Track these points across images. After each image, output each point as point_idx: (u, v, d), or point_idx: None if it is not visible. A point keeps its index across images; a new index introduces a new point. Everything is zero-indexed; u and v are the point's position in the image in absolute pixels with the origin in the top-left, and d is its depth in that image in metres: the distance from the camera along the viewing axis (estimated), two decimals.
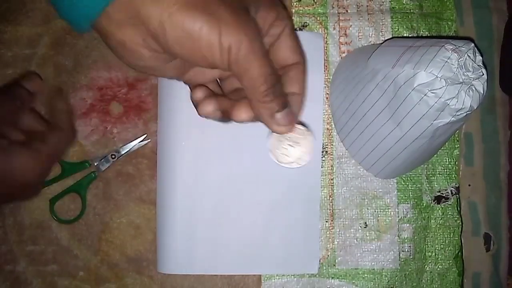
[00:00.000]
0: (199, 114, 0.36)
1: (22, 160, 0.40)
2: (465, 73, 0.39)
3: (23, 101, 0.44)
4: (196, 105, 0.36)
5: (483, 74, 0.39)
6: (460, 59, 0.38)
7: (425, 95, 0.39)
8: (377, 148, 0.46)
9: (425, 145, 0.43)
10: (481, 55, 0.39)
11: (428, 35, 0.51)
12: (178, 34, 0.30)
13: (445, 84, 0.38)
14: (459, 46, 0.39)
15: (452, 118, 0.39)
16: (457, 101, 0.38)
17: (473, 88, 0.39)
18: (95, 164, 0.49)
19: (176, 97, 0.49)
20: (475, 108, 0.39)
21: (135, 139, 0.49)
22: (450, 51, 0.38)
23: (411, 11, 0.52)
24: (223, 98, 0.36)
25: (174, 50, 0.31)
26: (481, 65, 0.39)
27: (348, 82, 0.48)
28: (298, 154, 0.39)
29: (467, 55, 0.39)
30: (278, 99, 0.33)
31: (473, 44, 0.39)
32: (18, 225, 0.48)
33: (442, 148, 0.50)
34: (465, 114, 0.39)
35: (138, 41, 0.31)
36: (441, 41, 0.39)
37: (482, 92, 0.39)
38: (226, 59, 0.31)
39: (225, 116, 0.36)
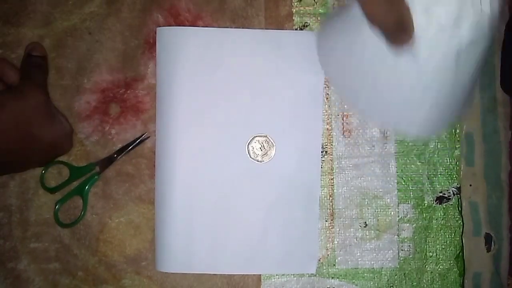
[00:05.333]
0: None
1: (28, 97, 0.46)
2: None
3: None
4: None
5: None
6: None
7: (434, 13, 0.36)
8: (397, 95, 0.42)
9: (451, 80, 0.40)
10: None
11: None
12: None
13: None
14: None
15: (473, 34, 0.37)
16: (472, 10, 0.36)
17: None
18: (97, 166, 0.52)
19: (175, 97, 0.51)
20: (496, 15, 0.37)
21: (135, 139, 0.52)
22: None
23: None
24: None
25: None
26: None
27: (338, 42, 0.46)
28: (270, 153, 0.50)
29: None
30: None
31: None
32: (24, 222, 0.51)
33: (443, 148, 0.53)
34: (486, 25, 0.37)
35: None
36: None
37: None
38: None
39: None
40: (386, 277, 0.52)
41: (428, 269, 0.52)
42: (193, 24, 0.53)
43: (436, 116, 0.45)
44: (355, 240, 0.52)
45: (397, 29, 0.37)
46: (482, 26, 0.37)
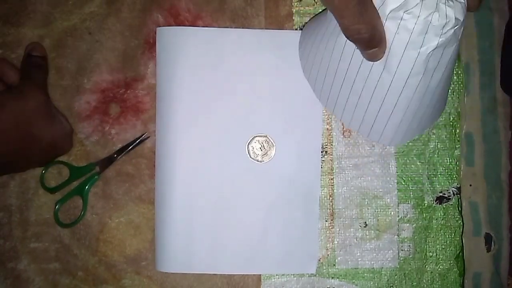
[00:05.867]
0: None
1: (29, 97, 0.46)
2: None
3: None
4: None
5: None
6: None
7: (401, 19, 0.37)
8: (371, 104, 0.44)
9: (421, 86, 0.41)
10: None
11: None
12: None
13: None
14: None
15: (440, 39, 0.38)
16: (439, 16, 0.37)
17: None
18: (97, 166, 0.52)
19: (175, 97, 0.51)
20: (461, 20, 0.37)
21: (135, 139, 0.52)
22: None
23: None
24: None
25: None
26: None
27: (318, 47, 0.47)
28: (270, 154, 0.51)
29: None
30: None
31: None
32: (24, 222, 0.51)
33: (443, 148, 0.53)
34: (452, 30, 0.38)
35: None
36: None
37: (463, 0, 0.37)
38: None
39: None
40: (386, 277, 0.52)
41: (428, 269, 0.52)
42: (193, 24, 0.53)
43: (409, 124, 0.46)
44: (355, 240, 0.52)
45: (370, 43, 0.39)
46: (448, 31, 0.38)
